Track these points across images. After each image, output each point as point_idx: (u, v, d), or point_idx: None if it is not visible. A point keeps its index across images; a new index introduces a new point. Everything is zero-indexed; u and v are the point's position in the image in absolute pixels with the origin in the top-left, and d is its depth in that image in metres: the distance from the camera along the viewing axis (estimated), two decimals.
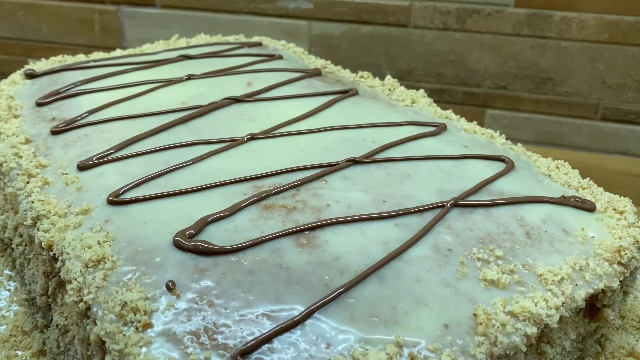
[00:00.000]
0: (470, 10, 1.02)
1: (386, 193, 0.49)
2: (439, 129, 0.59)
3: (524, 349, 0.38)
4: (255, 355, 0.35)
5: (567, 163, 0.55)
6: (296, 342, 0.36)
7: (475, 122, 0.62)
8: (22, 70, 0.73)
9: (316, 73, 0.73)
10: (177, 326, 0.36)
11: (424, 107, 0.65)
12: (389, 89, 0.69)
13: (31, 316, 0.53)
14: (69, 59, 0.77)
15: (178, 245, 0.41)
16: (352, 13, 1.07)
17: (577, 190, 0.51)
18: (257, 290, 0.39)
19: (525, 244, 0.44)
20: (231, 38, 0.87)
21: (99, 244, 0.42)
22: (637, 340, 0.52)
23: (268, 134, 0.57)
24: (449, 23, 1.04)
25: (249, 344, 0.35)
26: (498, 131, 0.60)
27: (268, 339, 0.36)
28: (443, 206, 0.47)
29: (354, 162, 0.53)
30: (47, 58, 0.77)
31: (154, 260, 0.40)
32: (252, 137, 0.56)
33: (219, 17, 1.12)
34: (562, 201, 0.49)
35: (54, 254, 0.43)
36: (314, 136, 0.57)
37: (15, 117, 0.61)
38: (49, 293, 0.47)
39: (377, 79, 0.72)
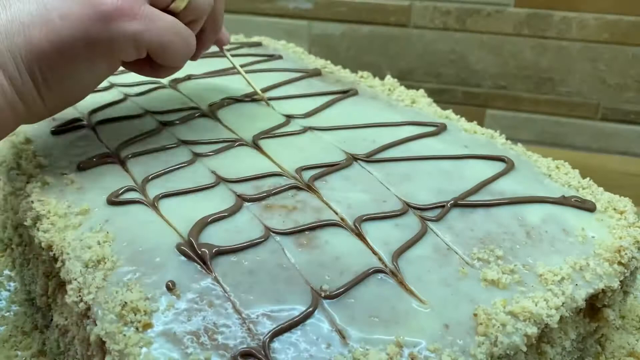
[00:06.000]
0: (470, 10, 1.02)
1: (386, 193, 0.49)
2: (439, 129, 0.59)
3: (525, 349, 0.38)
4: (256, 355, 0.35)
5: (567, 163, 0.55)
6: (296, 342, 0.36)
7: (475, 122, 0.62)
8: None
9: (316, 73, 0.73)
10: (177, 326, 0.36)
11: (424, 107, 0.65)
12: (389, 89, 0.69)
13: (31, 316, 0.53)
14: None
15: (185, 254, 0.41)
16: (352, 13, 1.07)
17: (577, 190, 0.51)
18: (257, 290, 0.39)
19: (525, 244, 0.44)
20: (231, 38, 0.87)
21: (99, 244, 0.42)
22: (637, 340, 0.52)
23: (268, 134, 0.57)
24: (449, 23, 1.04)
25: (249, 345, 0.35)
26: (498, 131, 0.60)
27: (269, 339, 0.36)
28: (443, 206, 0.47)
29: (355, 159, 0.53)
30: None
31: (154, 260, 0.40)
32: (252, 137, 0.56)
33: None
34: (563, 201, 0.49)
35: (54, 254, 0.43)
36: (314, 136, 0.57)
37: None
38: (49, 293, 0.47)
39: (377, 79, 0.72)
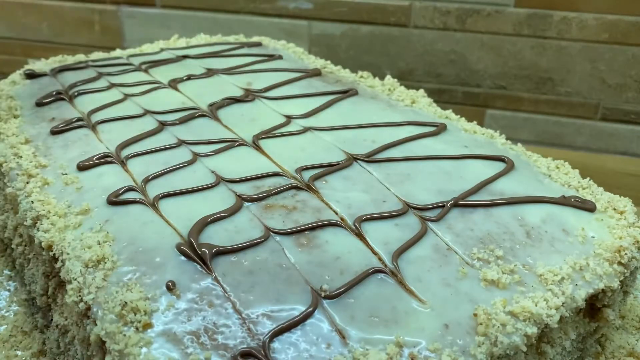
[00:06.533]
0: (470, 10, 1.02)
1: (386, 193, 0.49)
2: (439, 129, 0.59)
3: (524, 349, 0.38)
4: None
5: (567, 163, 0.55)
6: (296, 342, 0.36)
7: (475, 122, 0.62)
8: (22, 70, 0.73)
9: (316, 73, 0.73)
10: (177, 326, 0.36)
11: (424, 107, 0.65)
12: (389, 89, 0.69)
13: (31, 316, 0.53)
14: (69, 59, 0.77)
15: (185, 254, 0.41)
16: (352, 13, 1.07)
17: (577, 190, 0.51)
18: (257, 290, 0.39)
19: (525, 244, 0.44)
20: (231, 38, 0.87)
21: (99, 244, 0.42)
22: (637, 340, 0.52)
23: (268, 134, 0.57)
24: (449, 23, 1.04)
25: (249, 345, 0.35)
26: (498, 131, 0.60)
27: (269, 338, 0.36)
28: (443, 206, 0.47)
29: (355, 159, 0.53)
30: (47, 58, 0.77)
31: (154, 260, 0.40)
32: (252, 137, 0.56)
33: (219, 17, 1.13)
34: (562, 201, 0.49)
35: (54, 254, 0.43)
36: (314, 136, 0.57)
37: (15, 117, 0.61)
38: (49, 293, 0.47)
39: (377, 79, 0.72)
